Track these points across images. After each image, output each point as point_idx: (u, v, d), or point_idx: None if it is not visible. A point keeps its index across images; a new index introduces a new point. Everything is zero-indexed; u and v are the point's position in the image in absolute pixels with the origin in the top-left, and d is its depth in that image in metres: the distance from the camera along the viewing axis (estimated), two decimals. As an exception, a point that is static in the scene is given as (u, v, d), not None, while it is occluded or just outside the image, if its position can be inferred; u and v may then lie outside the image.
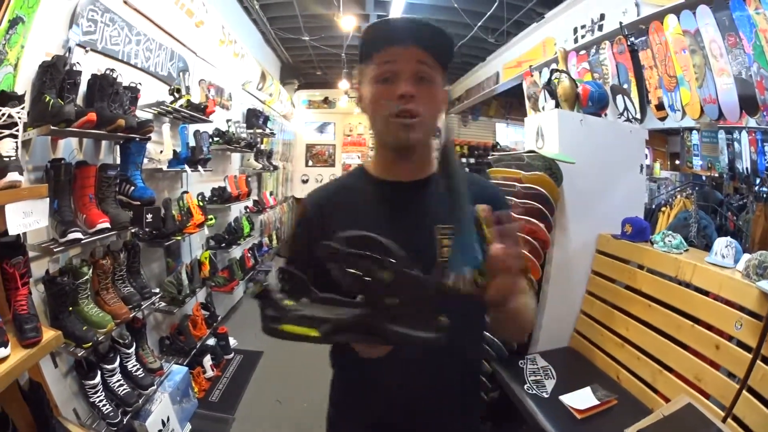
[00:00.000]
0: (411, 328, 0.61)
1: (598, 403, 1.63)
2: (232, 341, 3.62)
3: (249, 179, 4.69)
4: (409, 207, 0.91)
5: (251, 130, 4.66)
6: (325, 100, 8.32)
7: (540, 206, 1.93)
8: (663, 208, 2.71)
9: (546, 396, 1.74)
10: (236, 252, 4.25)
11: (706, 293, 1.55)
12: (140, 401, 2.03)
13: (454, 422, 0.96)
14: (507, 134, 8.64)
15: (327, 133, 8.56)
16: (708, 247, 1.66)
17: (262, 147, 5.13)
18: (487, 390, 2.12)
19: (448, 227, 0.82)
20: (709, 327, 1.49)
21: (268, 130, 5.18)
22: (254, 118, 4.81)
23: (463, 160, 8.21)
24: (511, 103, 8.47)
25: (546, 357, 2.02)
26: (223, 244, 3.93)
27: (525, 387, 1.81)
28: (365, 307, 0.63)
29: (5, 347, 1.30)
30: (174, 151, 2.91)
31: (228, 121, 4.05)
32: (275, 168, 5.58)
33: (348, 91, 7.51)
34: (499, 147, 4.85)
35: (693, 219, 2.27)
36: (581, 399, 1.65)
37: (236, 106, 4.52)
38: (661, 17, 2.82)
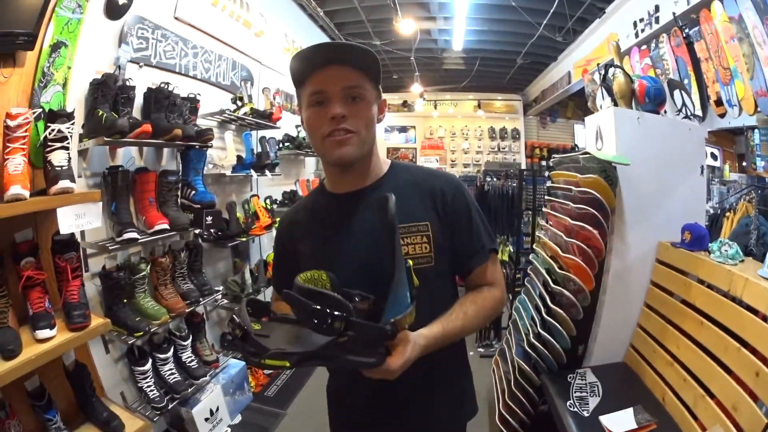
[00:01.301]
0: (358, 356, 0.76)
1: (636, 427, 1.48)
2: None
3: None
4: (356, 216, 1.00)
5: (324, 135, 4.80)
6: (404, 104, 8.34)
7: (594, 212, 1.80)
8: (727, 213, 2.35)
9: (586, 415, 1.62)
10: (306, 254, 4.38)
11: (756, 311, 1.29)
12: (190, 390, 2.18)
13: (435, 408, 1.05)
14: (585, 136, 7.99)
15: (408, 136, 8.60)
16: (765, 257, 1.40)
17: (337, 151, 5.25)
18: (535, 403, 2.03)
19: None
20: (755, 351, 1.25)
21: (343, 135, 5.29)
22: (328, 122, 4.95)
23: (543, 162, 7.77)
24: (586, 104, 7.86)
25: (596, 372, 1.87)
26: (293, 246, 4.07)
27: (568, 403, 1.69)
28: (324, 342, 0.76)
29: (51, 329, 1.48)
30: (239, 156, 3.10)
31: (298, 126, 4.21)
32: (351, 171, 5.68)
33: (423, 93, 7.44)
34: (577, 149, 4.52)
35: (753, 226, 1.90)
36: (620, 421, 1.52)
37: (308, 112, 4.69)
38: (708, 4, 2.65)
